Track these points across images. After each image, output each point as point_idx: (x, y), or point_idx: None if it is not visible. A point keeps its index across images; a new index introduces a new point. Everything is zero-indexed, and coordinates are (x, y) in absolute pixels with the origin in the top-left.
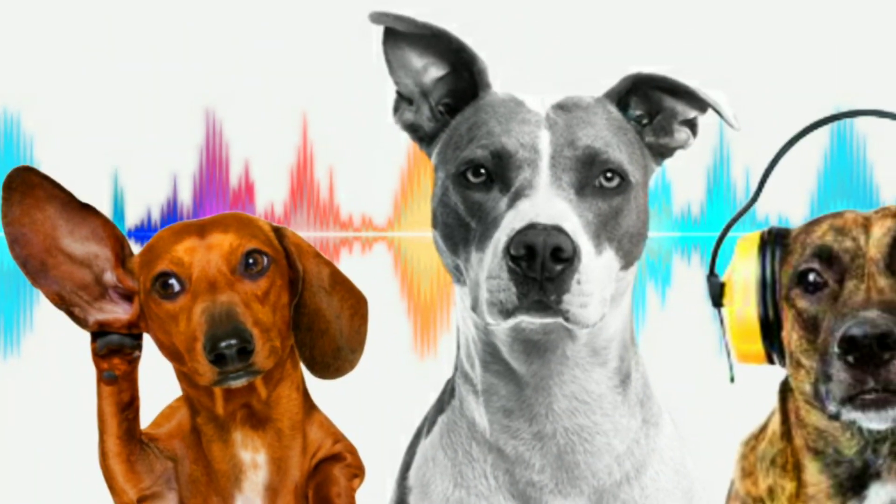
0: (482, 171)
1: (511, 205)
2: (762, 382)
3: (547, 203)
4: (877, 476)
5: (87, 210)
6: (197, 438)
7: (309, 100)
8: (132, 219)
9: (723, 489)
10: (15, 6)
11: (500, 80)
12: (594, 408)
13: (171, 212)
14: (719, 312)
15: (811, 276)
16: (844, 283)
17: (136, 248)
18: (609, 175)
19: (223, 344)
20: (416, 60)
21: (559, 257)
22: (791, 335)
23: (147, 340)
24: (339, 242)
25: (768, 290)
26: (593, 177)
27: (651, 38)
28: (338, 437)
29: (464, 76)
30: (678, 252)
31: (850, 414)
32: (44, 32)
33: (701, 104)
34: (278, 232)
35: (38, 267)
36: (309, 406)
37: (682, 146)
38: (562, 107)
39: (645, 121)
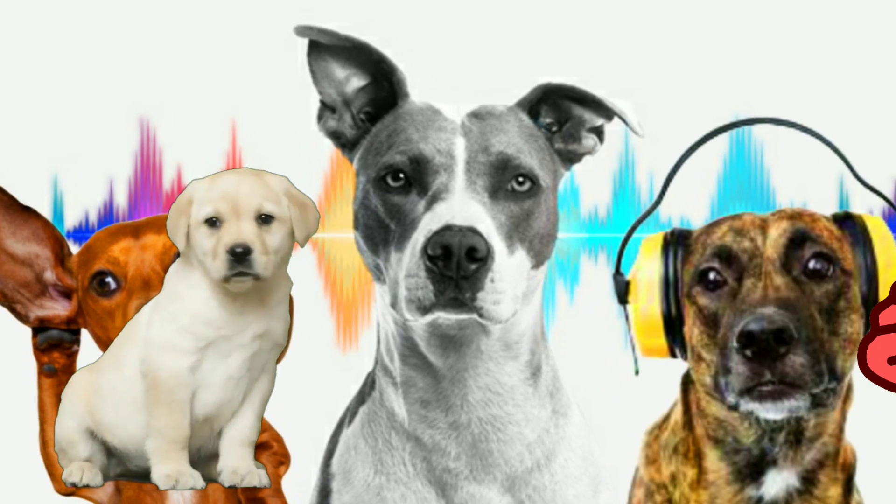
0: (401, 175)
1: (428, 207)
2: (665, 375)
3: (462, 206)
4: (773, 463)
5: (29, 212)
6: None
7: (237, 108)
8: (71, 221)
9: (628, 475)
10: None
11: (418, 90)
12: (507, 399)
13: (107, 214)
14: (625, 309)
15: (711, 275)
16: (743, 281)
17: (74, 249)
18: (521, 179)
19: None
20: (339, 71)
21: (474, 257)
22: (692, 330)
23: (85, 335)
24: None
25: (671, 288)
26: (506, 181)
27: (560, 50)
28: (265, 427)
29: (384, 86)
30: (586, 252)
31: (748, 405)
32: None
33: (607, 112)
34: None
35: None
36: None
37: (590, 152)
38: (476, 115)
39: (555, 128)
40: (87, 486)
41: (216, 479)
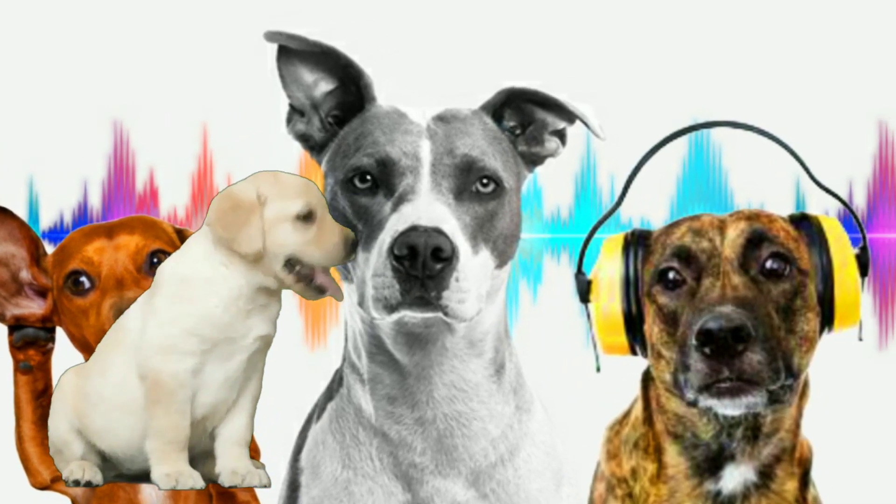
0: (368, 177)
1: (395, 209)
2: (626, 372)
3: (428, 207)
4: (731, 458)
5: (5, 213)
6: None
7: (209, 112)
8: (46, 221)
9: (590, 470)
10: None
11: (385, 94)
12: (471, 395)
13: (81, 215)
14: (586, 308)
15: (671, 274)
16: (701, 280)
17: (49, 249)
18: (485, 181)
19: None
20: (308, 76)
21: (439, 257)
22: (652, 329)
23: (60, 333)
24: None
25: (631, 287)
26: (470, 183)
27: (523, 54)
28: None
29: (351, 90)
30: (548, 252)
31: (706, 401)
32: None
33: (569, 116)
34: (180, 233)
35: None
36: None
37: (552, 154)
38: (441, 118)
39: (518, 131)
40: (88, 484)
41: (212, 478)
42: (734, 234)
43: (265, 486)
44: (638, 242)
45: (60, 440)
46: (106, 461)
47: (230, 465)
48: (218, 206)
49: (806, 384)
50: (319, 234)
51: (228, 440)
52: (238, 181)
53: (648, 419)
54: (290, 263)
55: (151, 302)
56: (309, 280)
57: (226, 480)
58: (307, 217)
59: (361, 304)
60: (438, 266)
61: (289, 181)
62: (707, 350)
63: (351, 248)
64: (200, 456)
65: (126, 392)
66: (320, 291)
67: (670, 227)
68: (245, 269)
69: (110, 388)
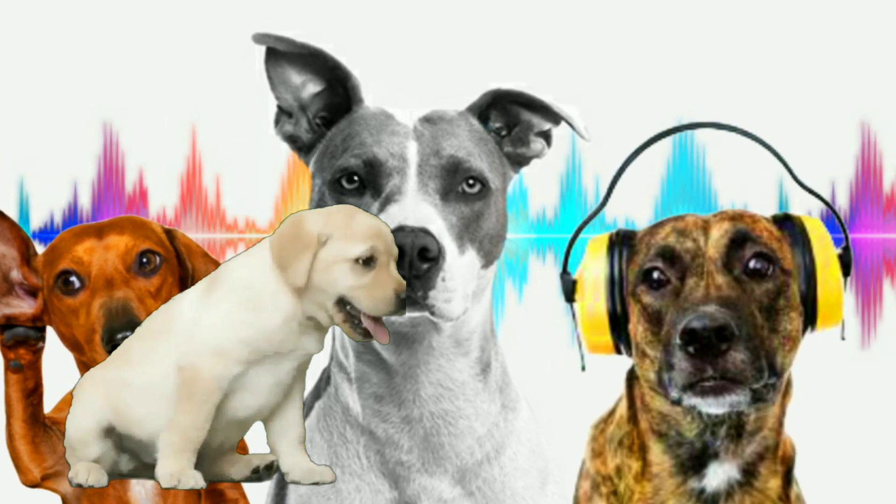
0: (355, 178)
1: (382, 209)
2: (611, 371)
3: (414, 207)
4: (715, 456)
5: None
6: None
7: (197, 113)
8: (36, 222)
9: (575, 468)
10: None
11: (372, 95)
12: (457, 394)
13: (71, 215)
14: (571, 307)
15: (655, 274)
16: (686, 280)
17: (40, 249)
18: (471, 182)
19: (119, 336)
20: (296, 77)
21: (426, 257)
22: (637, 328)
23: (50, 332)
24: (225, 243)
25: (616, 287)
26: (457, 183)
27: (509, 56)
28: None
29: (339, 91)
30: (534, 252)
31: (690, 400)
32: None
33: (555, 117)
34: (169, 234)
35: None
36: None
37: (538, 155)
38: (428, 119)
39: (504, 132)
40: (91, 487)
41: (221, 477)
42: (718, 235)
43: (331, 482)
44: (623, 242)
45: (79, 439)
46: (126, 453)
47: (304, 464)
48: (282, 230)
49: (789, 383)
50: (374, 281)
51: (293, 440)
52: (319, 209)
53: (633, 417)
54: (342, 302)
55: (209, 297)
56: (357, 321)
57: (303, 479)
58: (367, 261)
59: None
60: (425, 266)
61: (362, 222)
62: (691, 349)
63: (401, 304)
64: (214, 454)
65: (172, 380)
66: (366, 335)
67: (655, 228)
68: (295, 296)
69: (158, 377)
